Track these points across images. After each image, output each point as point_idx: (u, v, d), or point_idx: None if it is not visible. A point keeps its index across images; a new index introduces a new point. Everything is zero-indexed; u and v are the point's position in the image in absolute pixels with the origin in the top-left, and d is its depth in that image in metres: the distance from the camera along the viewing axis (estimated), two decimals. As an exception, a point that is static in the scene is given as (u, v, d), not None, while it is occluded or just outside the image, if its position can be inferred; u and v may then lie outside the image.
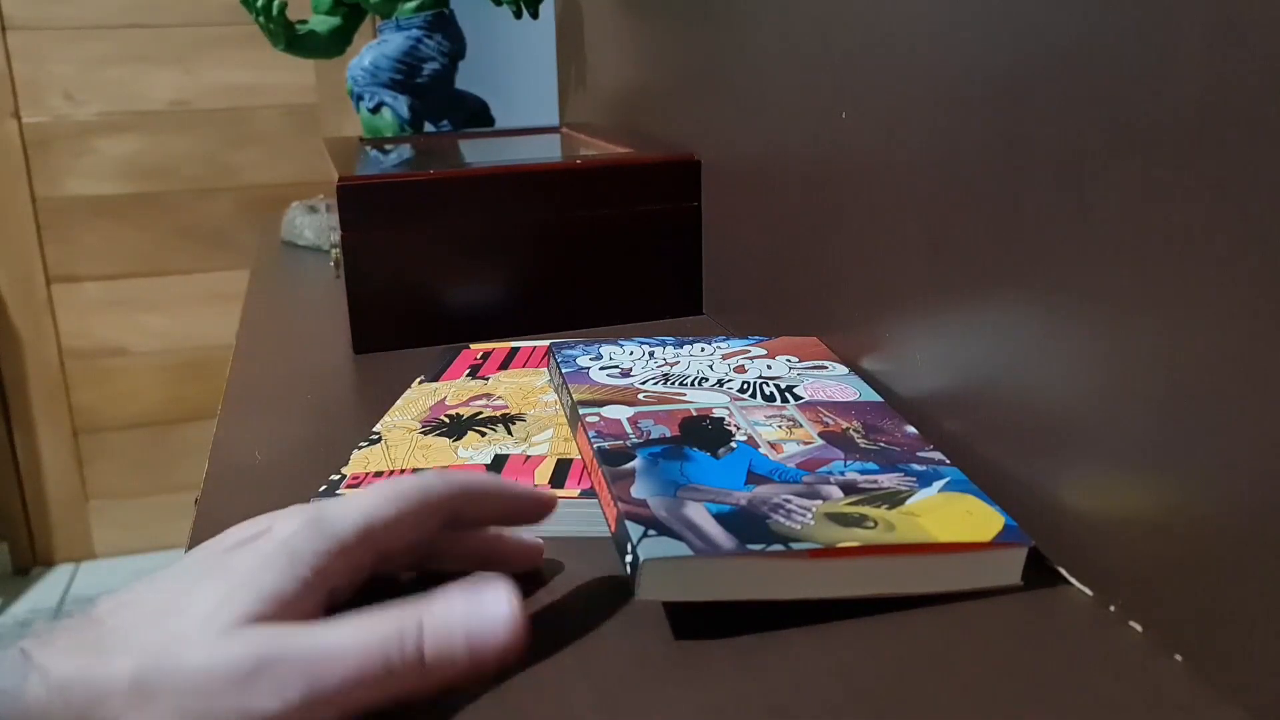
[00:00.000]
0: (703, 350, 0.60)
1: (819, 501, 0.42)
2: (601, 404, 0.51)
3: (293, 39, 1.09)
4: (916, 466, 0.45)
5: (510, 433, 0.53)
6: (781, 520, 0.40)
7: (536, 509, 0.41)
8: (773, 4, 0.63)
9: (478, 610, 0.34)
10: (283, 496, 0.47)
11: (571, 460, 0.50)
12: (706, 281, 0.79)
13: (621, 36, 0.93)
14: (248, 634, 0.32)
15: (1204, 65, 0.33)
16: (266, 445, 0.58)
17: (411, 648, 0.33)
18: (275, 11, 1.04)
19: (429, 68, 1.10)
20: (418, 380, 0.63)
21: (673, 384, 0.54)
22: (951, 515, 0.41)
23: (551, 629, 0.39)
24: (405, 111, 1.10)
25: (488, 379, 0.62)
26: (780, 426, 0.49)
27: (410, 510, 0.37)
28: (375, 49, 1.11)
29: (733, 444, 0.47)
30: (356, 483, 0.49)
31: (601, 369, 0.56)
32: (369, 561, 0.36)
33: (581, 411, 0.50)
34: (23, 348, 2.30)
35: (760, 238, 0.68)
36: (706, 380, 0.55)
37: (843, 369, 0.57)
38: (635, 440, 0.47)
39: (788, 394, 0.53)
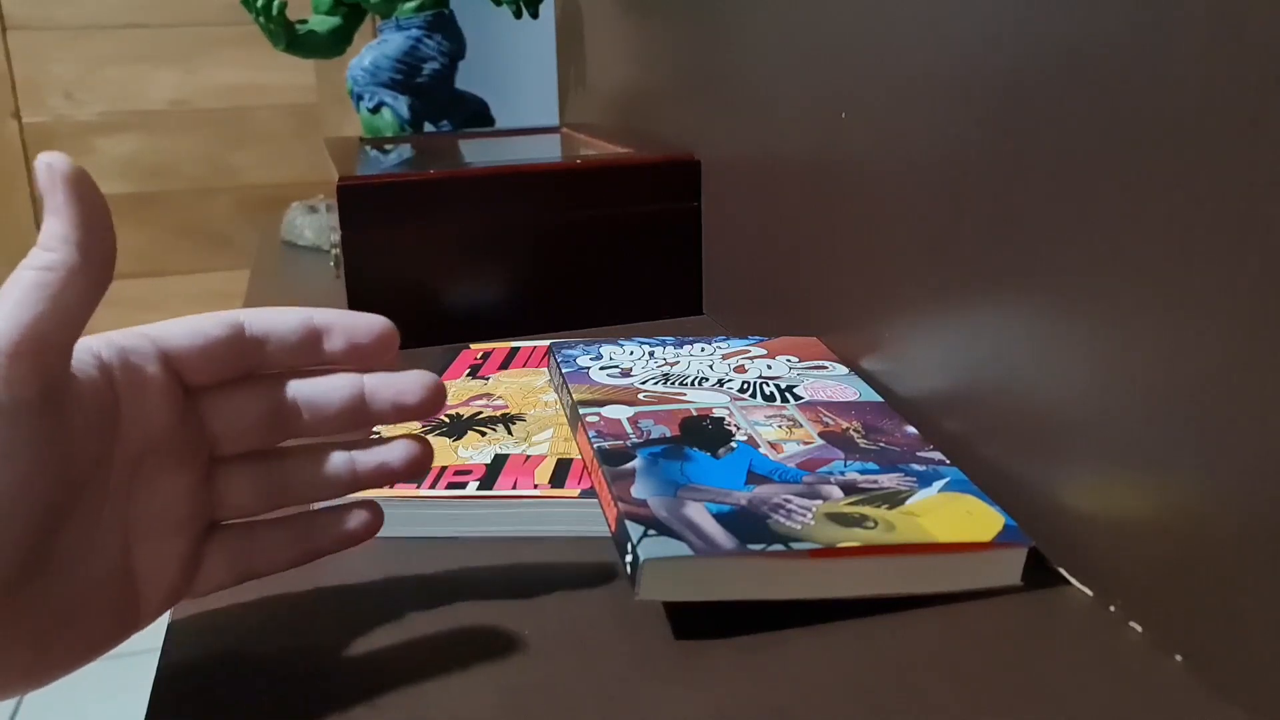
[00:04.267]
0: (703, 350, 0.60)
1: (819, 501, 0.42)
2: (601, 404, 0.51)
3: (293, 39, 1.09)
4: (916, 466, 0.45)
5: (510, 432, 0.53)
6: (782, 520, 0.40)
7: (369, 333, 0.36)
8: (773, 4, 0.63)
9: None
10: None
11: (571, 460, 0.50)
12: (706, 281, 0.79)
13: (621, 36, 0.93)
14: None
15: (1204, 65, 0.33)
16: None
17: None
18: (275, 11, 1.04)
19: (429, 68, 1.10)
20: (418, 380, 0.63)
21: (673, 384, 0.54)
22: (951, 515, 0.41)
23: (551, 629, 0.39)
24: (405, 111, 1.10)
25: (488, 379, 0.62)
26: (780, 426, 0.49)
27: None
28: (375, 49, 1.11)
29: (733, 444, 0.47)
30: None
31: (601, 369, 0.56)
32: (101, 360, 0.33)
33: (581, 411, 0.50)
34: (23, 348, 2.30)
35: (760, 238, 0.68)
36: (706, 380, 0.55)
37: (843, 369, 0.57)
38: (635, 440, 0.47)
39: (788, 394, 0.53)
